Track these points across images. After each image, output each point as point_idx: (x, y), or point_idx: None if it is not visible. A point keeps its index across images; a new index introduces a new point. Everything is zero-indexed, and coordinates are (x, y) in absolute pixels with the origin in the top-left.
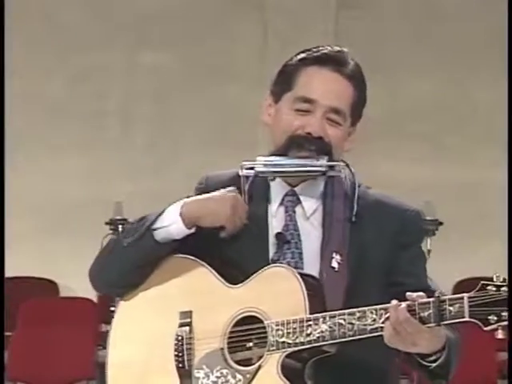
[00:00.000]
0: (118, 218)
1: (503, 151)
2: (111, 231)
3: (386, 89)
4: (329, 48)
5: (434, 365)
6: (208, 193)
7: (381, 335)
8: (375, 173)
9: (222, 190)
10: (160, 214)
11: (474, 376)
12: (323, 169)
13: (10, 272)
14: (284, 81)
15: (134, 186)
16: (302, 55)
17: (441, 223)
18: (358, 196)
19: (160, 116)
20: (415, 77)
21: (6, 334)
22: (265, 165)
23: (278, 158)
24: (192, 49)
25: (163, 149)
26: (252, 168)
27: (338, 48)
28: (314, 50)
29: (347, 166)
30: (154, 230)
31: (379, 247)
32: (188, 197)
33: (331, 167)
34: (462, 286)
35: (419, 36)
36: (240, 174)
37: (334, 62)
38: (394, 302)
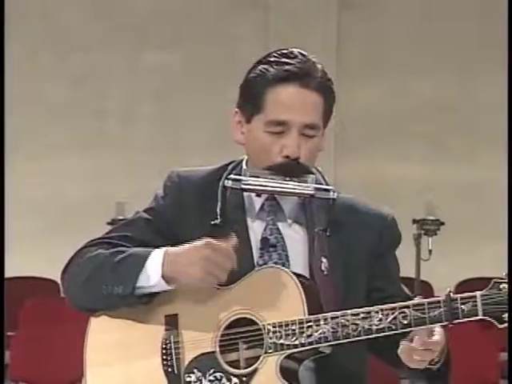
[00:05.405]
0: (120, 217)
1: (504, 151)
2: None
3: (387, 89)
4: (292, 59)
5: (438, 365)
6: (182, 192)
7: (389, 335)
8: (377, 173)
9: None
10: (140, 271)
11: (476, 376)
12: (311, 192)
13: (9, 272)
14: (251, 102)
15: (136, 185)
16: (266, 72)
17: (442, 223)
18: (335, 201)
19: (161, 116)
20: (416, 77)
21: (8, 334)
22: (252, 181)
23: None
24: (193, 49)
25: (165, 148)
26: (238, 180)
27: (301, 57)
28: (276, 64)
29: (320, 174)
30: (137, 288)
31: (361, 253)
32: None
33: (319, 189)
34: (464, 286)
35: (420, 36)
36: (226, 185)
37: (299, 77)
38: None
